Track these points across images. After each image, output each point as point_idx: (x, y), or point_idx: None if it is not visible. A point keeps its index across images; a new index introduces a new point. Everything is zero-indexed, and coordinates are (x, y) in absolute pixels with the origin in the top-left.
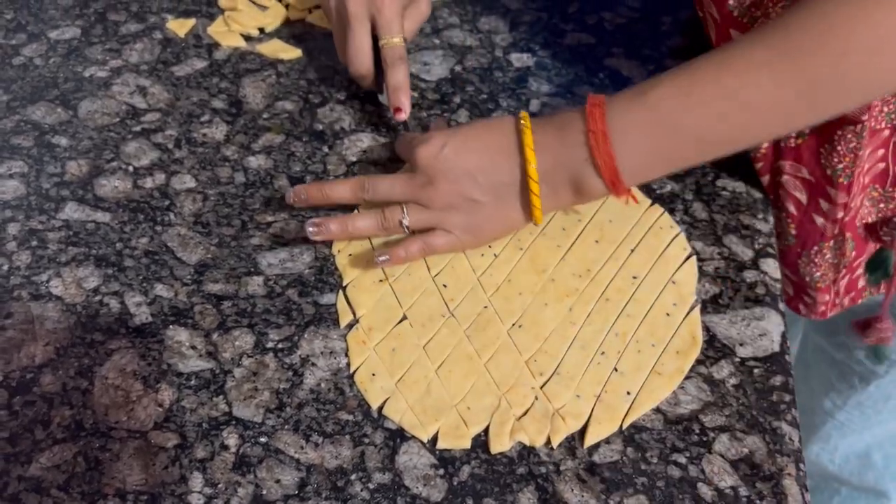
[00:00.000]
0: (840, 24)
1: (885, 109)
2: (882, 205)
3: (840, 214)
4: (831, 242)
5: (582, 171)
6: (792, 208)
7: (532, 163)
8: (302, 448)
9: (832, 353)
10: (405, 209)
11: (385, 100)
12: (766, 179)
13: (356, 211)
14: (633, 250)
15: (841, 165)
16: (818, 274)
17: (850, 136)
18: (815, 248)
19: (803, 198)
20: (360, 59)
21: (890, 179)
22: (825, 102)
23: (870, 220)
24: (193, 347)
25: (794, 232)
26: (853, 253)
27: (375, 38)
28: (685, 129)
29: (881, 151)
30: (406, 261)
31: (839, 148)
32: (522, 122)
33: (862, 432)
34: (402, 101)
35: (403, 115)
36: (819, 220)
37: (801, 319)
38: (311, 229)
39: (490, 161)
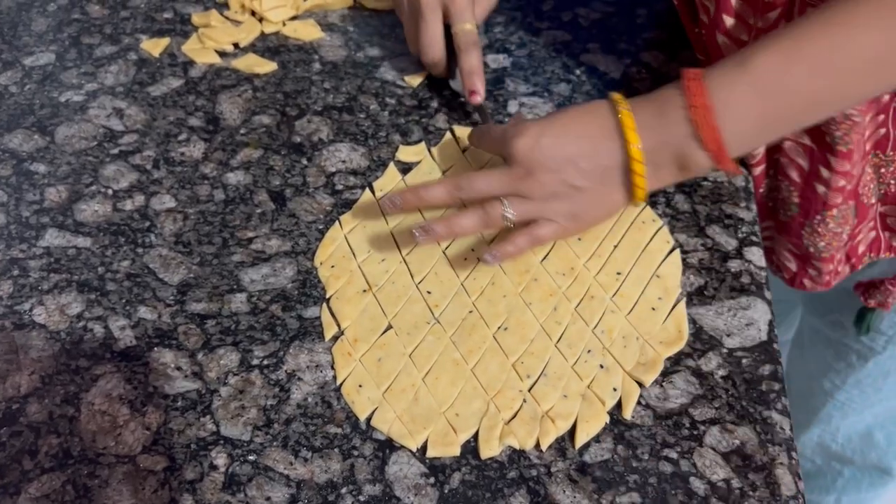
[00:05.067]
0: None
1: None
2: (882, 169)
3: (842, 183)
4: (834, 211)
5: (686, 147)
6: (795, 175)
7: (634, 143)
8: (291, 464)
9: (827, 332)
10: (506, 203)
11: (457, 85)
12: (761, 150)
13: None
14: (616, 246)
15: (839, 133)
16: (822, 244)
17: None
18: (818, 217)
19: (805, 164)
20: (434, 47)
21: (890, 144)
22: None
23: (872, 186)
24: (179, 368)
25: (797, 200)
26: (855, 220)
27: (446, 27)
28: (791, 92)
29: (881, 117)
30: (515, 255)
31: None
32: (619, 104)
33: (863, 412)
34: (476, 84)
35: (479, 98)
36: (821, 189)
37: (798, 305)
38: (418, 234)
39: (591, 146)
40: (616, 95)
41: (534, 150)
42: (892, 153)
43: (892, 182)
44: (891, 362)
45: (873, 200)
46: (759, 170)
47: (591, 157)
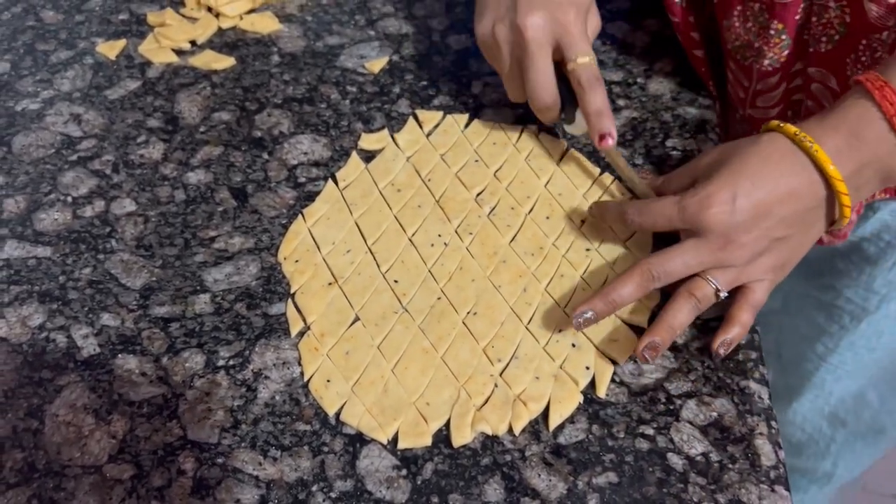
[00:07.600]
0: None
1: None
2: None
3: None
4: None
5: (891, 159)
6: None
7: (837, 178)
8: (260, 464)
9: (818, 295)
10: (710, 278)
11: (574, 129)
12: (780, 91)
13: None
14: (584, 221)
15: None
16: None
17: (875, 45)
18: None
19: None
20: (546, 90)
21: None
22: None
23: None
24: (143, 374)
25: None
26: None
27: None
28: None
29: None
30: (744, 334)
31: (863, 58)
32: (798, 136)
33: (856, 374)
34: (607, 125)
35: (611, 141)
36: None
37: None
38: (579, 320)
39: (788, 191)
40: (785, 126)
41: (732, 216)
42: None
43: None
44: (885, 321)
45: None
46: (776, 111)
47: (792, 202)
